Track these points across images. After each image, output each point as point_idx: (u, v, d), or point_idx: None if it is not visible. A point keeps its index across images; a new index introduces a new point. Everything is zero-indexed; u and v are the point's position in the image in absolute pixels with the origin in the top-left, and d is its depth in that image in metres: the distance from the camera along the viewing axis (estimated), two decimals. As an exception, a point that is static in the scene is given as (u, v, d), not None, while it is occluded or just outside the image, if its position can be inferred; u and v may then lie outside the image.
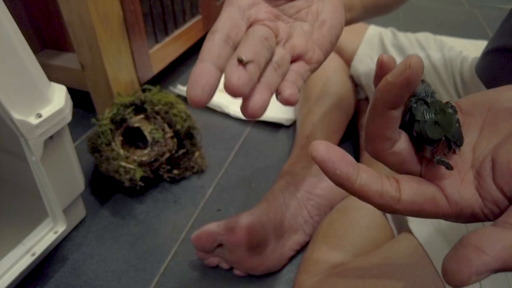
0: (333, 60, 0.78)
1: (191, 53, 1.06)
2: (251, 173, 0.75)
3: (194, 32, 1.02)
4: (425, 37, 0.77)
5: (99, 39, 0.70)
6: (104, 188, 0.70)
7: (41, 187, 0.50)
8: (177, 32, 0.95)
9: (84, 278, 0.56)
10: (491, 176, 0.20)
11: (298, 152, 0.68)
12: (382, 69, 0.20)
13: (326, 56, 0.30)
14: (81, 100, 0.87)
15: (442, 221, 0.41)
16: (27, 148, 0.46)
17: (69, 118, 0.49)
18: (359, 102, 0.79)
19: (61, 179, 0.53)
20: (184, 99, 0.94)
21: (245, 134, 0.85)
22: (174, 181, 0.72)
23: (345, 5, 0.35)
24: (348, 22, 0.38)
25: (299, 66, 0.28)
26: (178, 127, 0.67)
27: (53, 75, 0.84)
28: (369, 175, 0.20)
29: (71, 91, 0.83)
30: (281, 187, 0.59)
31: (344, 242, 0.47)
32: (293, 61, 0.28)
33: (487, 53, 0.58)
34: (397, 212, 0.21)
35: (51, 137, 0.48)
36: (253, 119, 0.21)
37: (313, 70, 0.29)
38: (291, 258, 0.57)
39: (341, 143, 0.77)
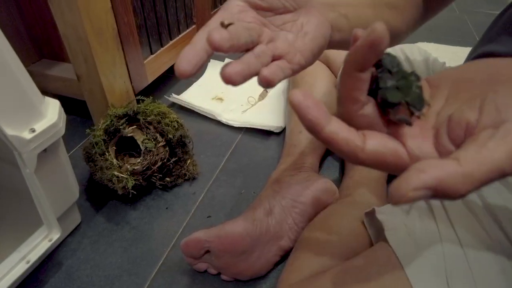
0: (321, 70, 0.80)
1: (186, 61, 1.08)
2: (241, 180, 0.77)
3: (189, 41, 1.04)
4: (410, 48, 0.79)
5: (93, 51, 0.72)
6: (99, 194, 0.73)
7: (35, 197, 0.52)
8: (171, 42, 0.97)
9: (78, 283, 0.58)
10: (446, 132, 0.23)
11: (285, 161, 0.70)
12: (355, 41, 0.22)
13: (307, 62, 0.32)
14: (78, 108, 0.90)
15: (417, 231, 0.43)
16: (21, 161, 0.48)
17: (62, 131, 0.52)
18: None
19: (55, 189, 0.55)
20: (177, 108, 0.97)
21: (236, 141, 0.87)
22: (167, 188, 0.74)
23: (334, 25, 0.37)
24: (339, 43, 0.39)
25: (280, 62, 0.30)
26: (170, 136, 0.70)
27: (50, 85, 0.87)
28: (338, 124, 0.22)
29: (69, 99, 0.86)
30: (267, 195, 0.62)
31: (324, 250, 0.49)
32: (274, 59, 0.30)
33: (472, 60, 0.59)
34: (361, 162, 0.22)
35: (44, 150, 0.50)
36: (228, 83, 0.23)
37: (293, 70, 0.31)
38: (276, 264, 0.59)
39: (327, 152, 0.79)
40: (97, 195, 0.73)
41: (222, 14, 0.30)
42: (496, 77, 0.23)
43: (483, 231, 0.40)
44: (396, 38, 0.52)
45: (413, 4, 0.52)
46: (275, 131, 0.88)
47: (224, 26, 0.27)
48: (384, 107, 0.24)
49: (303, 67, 0.32)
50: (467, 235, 0.41)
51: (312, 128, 0.21)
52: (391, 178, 0.73)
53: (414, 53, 0.78)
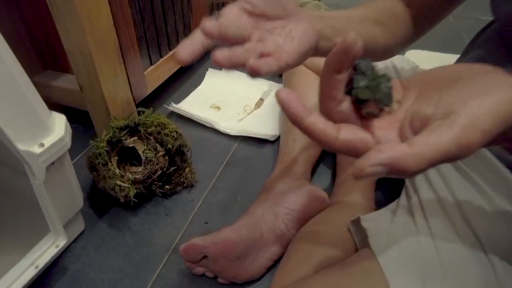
0: (314, 81, 0.84)
1: (184, 70, 1.12)
2: (237, 187, 0.81)
3: (187, 51, 1.08)
4: (400, 61, 0.82)
5: (96, 65, 0.76)
6: (101, 202, 0.76)
7: (43, 206, 0.56)
8: (170, 53, 1.01)
9: (83, 287, 0.62)
10: (409, 124, 0.27)
11: (279, 169, 0.74)
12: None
13: (293, 62, 0.36)
14: (80, 117, 0.93)
15: (398, 236, 0.47)
16: (30, 173, 0.52)
17: (68, 145, 0.55)
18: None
19: (61, 198, 0.59)
20: (176, 116, 1.00)
21: (232, 149, 0.91)
22: (166, 195, 0.78)
23: (321, 34, 0.41)
24: (327, 51, 0.43)
25: (267, 58, 0.34)
26: (169, 146, 0.73)
27: (54, 95, 0.91)
28: (317, 117, 0.25)
29: (72, 109, 0.90)
30: (261, 202, 0.65)
31: (313, 255, 0.53)
32: (262, 56, 0.34)
33: None
34: (335, 149, 0.26)
35: (52, 163, 0.54)
36: (216, 64, 0.28)
37: (280, 67, 0.34)
38: (269, 268, 0.63)
39: (320, 158, 0.83)
40: (100, 202, 0.76)
41: (218, 17, 0.35)
42: (455, 79, 0.27)
43: (451, 225, 0.45)
44: (385, 52, 0.56)
45: (402, 24, 0.56)
46: (270, 139, 0.92)
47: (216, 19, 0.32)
48: (357, 103, 0.28)
49: (289, 65, 0.36)
50: (440, 230, 0.45)
51: (295, 120, 0.25)
52: (379, 183, 0.77)
53: (403, 62, 0.82)
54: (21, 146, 0.48)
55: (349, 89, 0.28)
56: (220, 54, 0.30)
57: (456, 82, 0.27)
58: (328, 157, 0.86)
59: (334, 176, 0.80)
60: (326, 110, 0.28)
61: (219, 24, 0.30)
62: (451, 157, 0.23)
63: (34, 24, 0.86)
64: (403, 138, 0.27)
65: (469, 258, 0.42)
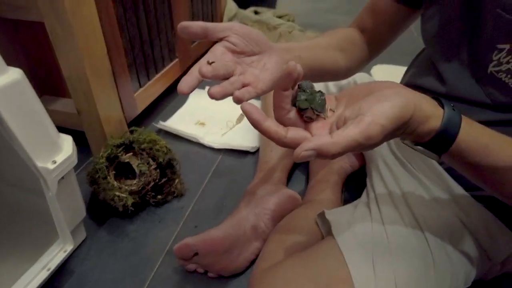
0: None
1: (170, 91, 1.22)
2: (222, 194, 0.91)
3: (172, 74, 1.19)
4: (361, 77, 0.95)
5: (92, 90, 0.85)
6: (100, 212, 0.85)
7: (55, 215, 0.64)
8: (157, 75, 1.11)
9: (88, 286, 0.70)
10: (336, 125, 0.37)
11: (259, 175, 0.84)
12: None
13: (268, 88, 0.46)
14: (74, 137, 1.01)
15: (357, 227, 0.58)
16: (45, 187, 0.60)
17: (76, 161, 0.64)
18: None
19: (69, 207, 0.67)
20: (164, 132, 1.10)
21: (217, 161, 1.01)
22: (159, 204, 0.87)
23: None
24: None
25: (248, 87, 0.44)
26: (161, 160, 0.83)
27: (51, 118, 0.99)
28: (271, 122, 0.36)
29: (67, 130, 0.98)
30: (244, 205, 0.75)
31: (288, 244, 0.63)
32: (244, 86, 0.44)
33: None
34: (285, 144, 0.36)
35: (62, 177, 0.63)
36: (212, 98, 0.41)
37: (257, 93, 0.45)
38: (252, 261, 0.73)
39: (295, 165, 0.94)
40: (98, 213, 0.85)
41: (209, 55, 0.45)
42: (369, 92, 0.39)
43: (397, 212, 0.57)
44: (347, 72, 0.68)
45: (359, 48, 0.69)
46: (250, 150, 1.03)
47: (209, 63, 0.43)
48: (300, 111, 0.39)
49: (265, 92, 0.46)
50: (388, 216, 0.57)
51: (255, 124, 0.36)
52: (347, 185, 0.88)
53: (363, 78, 0.94)
54: (39, 163, 0.57)
55: (294, 102, 0.39)
56: (214, 90, 0.40)
57: (369, 94, 0.38)
58: (302, 165, 0.97)
59: (307, 181, 0.91)
60: (279, 118, 0.38)
61: (212, 68, 0.40)
62: (360, 146, 0.33)
63: (32, 51, 0.95)
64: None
65: (409, 235, 0.54)
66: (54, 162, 0.60)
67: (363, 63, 0.72)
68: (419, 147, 0.41)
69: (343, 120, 0.37)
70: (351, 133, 0.33)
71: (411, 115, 0.36)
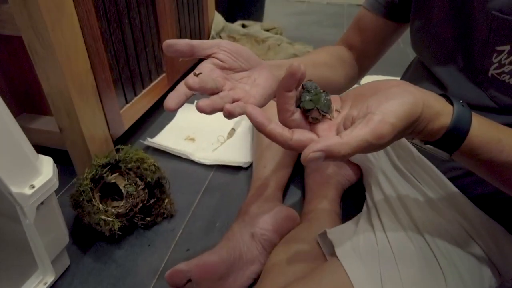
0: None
1: (158, 106, 1.18)
2: (215, 214, 0.86)
3: (160, 89, 1.15)
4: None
5: (76, 107, 0.81)
6: (85, 237, 0.79)
7: (33, 245, 0.59)
8: (144, 90, 1.07)
9: (72, 321, 0.64)
10: (343, 125, 0.36)
11: (253, 193, 0.80)
12: None
13: (259, 104, 0.43)
14: (58, 156, 0.96)
15: (361, 245, 0.55)
16: (22, 214, 0.55)
17: (56, 185, 0.59)
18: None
19: (49, 235, 0.62)
20: (153, 150, 1.05)
21: (209, 178, 0.97)
22: (148, 226, 0.82)
23: (279, 79, 0.50)
24: None
25: (239, 102, 0.41)
26: (149, 179, 0.78)
27: (32, 137, 0.94)
28: (276, 125, 0.35)
29: (49, 149, 0.93)
30: (238, 226, 0.71)
31: (287, 269, 0.59)
32: (234, 101, 0.41)
33: None
34: (291, 146, 0.35)
35: (42, 203, 0.57)
36: (201, 112, 0.38)
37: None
38: (250, 286, 0.68)
39: (290, 179, 0.90)
40: (83, 238, 0.79)
41: (196, 70, 0.42)
42: (376, 91, 0.37)
43: (395, 217, 0.57)
44: (337, 88, 0.66)
45: (348, 65, 0.68)
46: (243, 166, 0.99)
47: (196, 75, 0.40)
48: (305, 113, 0.37)
49: (256, 106, 0.43)
50: (388, 223, 0.56)
51: (259, 127, 0.35)
52: (344, 198, 0.85)
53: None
54: (14, 189, 0.52)
55: (299, 103, 0.37)
56: (203, 103, 0.37)
57: (376, 93, 0.36)
58: (297, 180, 0.93)
59: (303, 194, 0.88)
60: (283, 120, 0.37)
61: (199, 80, 0.37)
62: (371, 146, 0.32)
63: (10, 67, 0.90)
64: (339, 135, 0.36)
65: (410, 240, 0.53)
66: (32, 186, 0.55)
67: (354, 80, 0.71)
68: (429, 146, 0.39)
69: (350, 120, 0.35)
70: (361, 132, 0.32)
71: (420, 112, 0.35)
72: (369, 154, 0.73)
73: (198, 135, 1.11)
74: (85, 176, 0.73)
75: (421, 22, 0.58)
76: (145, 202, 0.79)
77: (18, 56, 0.88)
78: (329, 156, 0.31)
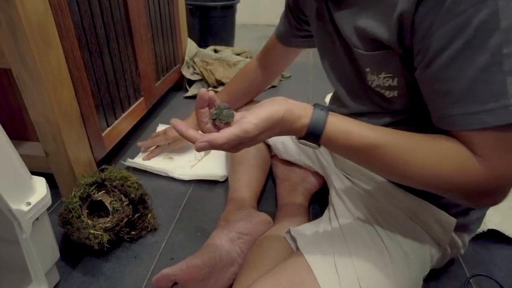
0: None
1: (137, 128, 1.25)
2: (196, 225, 0.93)
3: (138, 112, 1.22)
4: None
5: (62, 132, 0.87)
6: (73, 253, 0.84)
7: (28, 258, 0.64)
8: (124, 114, 1.14)
9: (65, 330, 0.69)
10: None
11: (230, 204, 0.88)
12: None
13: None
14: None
15: (319, 236, 0.64)
16: (19, 229, 0.61)
17: (50, 202, 0.65)
18: (272, 158, 1.02)
19: (43, 250, 0.67)
20: (133, 170, 1.11)
21: (188, 193, 1.04)
22: (133, 240, 0.88)
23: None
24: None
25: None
26: (133, 195, 0.85)
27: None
28: (192, 131, 0.51)
29: (33, 173, 0.97)
30: (217, 233, 0.78)
31: (260, 265, 0.67)
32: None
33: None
34: (200, 147, 0.48)
35: (37, 219, 0.63)
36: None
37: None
38: (231, 286, 0.75)
39: (264, 191, 0.99)
40: (71, 254, 0.84)
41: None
42: (260, 105, 0.51)
43: (348, 211, 0.68)
44: (254, 95, 1.01)
45: (258, 81, 0.99)
46: (220, 180, 1.06)
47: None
48: (213, 122, 0.52)
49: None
50: (342, 216, 0.67)
51: (180, 132, 0.50)
52: (312, 202, 0.94)
53: None
54: (13, 206, 0.58)
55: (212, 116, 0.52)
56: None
57: (258, 107, 0.50)
58: (270, 189, 1.02)
59: (276, 202, 0.96)
60: (201, 128, 0.52)
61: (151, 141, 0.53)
62: (241, 139, 0.48)
63: (-5, 100, 0.95)
64: None
65: (358, 224, 0.64)
66: (29, 203, 0.61)
67: (266, 84, 1.03)
68: (302, 140, 0.52)
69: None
70: (232, 129, 0.48)
71: (281, 116, 0.49)
72: (322, 160, 0.84)
73: (176, 154, 1.18)
74: (73, 194, 0.79)
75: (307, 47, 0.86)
76: (130, 217, 0.85)
77: (2, 87, 0.94)
78: (212, 145, 0.47)
